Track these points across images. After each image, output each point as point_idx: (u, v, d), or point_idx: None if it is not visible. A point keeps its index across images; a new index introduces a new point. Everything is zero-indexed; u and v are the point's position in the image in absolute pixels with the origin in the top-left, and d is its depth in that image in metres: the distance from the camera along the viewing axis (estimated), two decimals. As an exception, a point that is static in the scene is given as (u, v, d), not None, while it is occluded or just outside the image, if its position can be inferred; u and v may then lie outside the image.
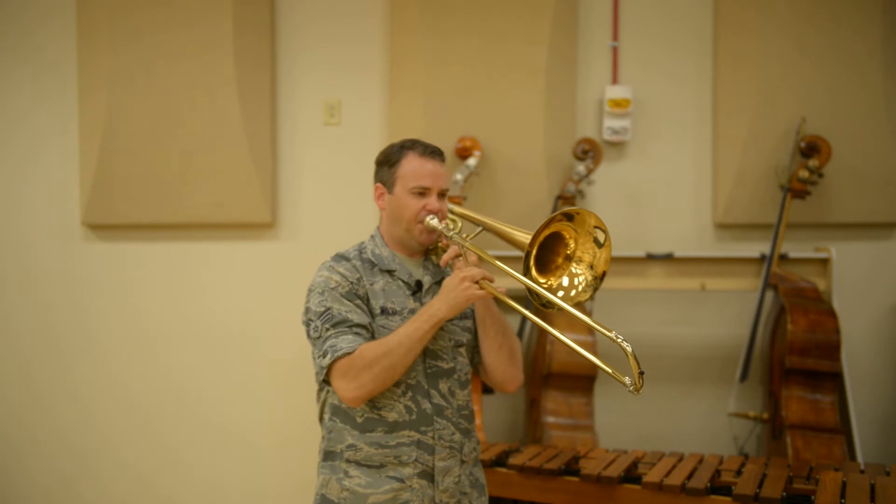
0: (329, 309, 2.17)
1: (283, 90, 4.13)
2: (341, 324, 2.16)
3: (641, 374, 1.89)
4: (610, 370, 1.97)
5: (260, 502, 4.14)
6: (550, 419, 3.62)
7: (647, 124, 4.00)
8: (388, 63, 4.08)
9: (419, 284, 2.27)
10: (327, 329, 2.16)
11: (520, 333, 3.84)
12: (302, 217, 4.13)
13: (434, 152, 2.26)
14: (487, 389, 3.71)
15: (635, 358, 1.90)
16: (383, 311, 2.22)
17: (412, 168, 2.23)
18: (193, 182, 4.04)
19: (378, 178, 2.31)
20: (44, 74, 4.18)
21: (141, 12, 4.04)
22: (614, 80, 4.00)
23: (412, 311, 2.23)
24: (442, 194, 2.26)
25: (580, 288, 2.12)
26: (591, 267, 2.12)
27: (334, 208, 4.12)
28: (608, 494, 2.79)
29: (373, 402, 2.20)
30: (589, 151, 3.87)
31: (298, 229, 4.14)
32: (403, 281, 2.26)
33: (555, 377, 3.63)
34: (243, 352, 4.14)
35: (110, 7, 4.05)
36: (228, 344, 4.14)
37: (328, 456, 2.27)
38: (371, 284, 2.23)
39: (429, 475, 2.22)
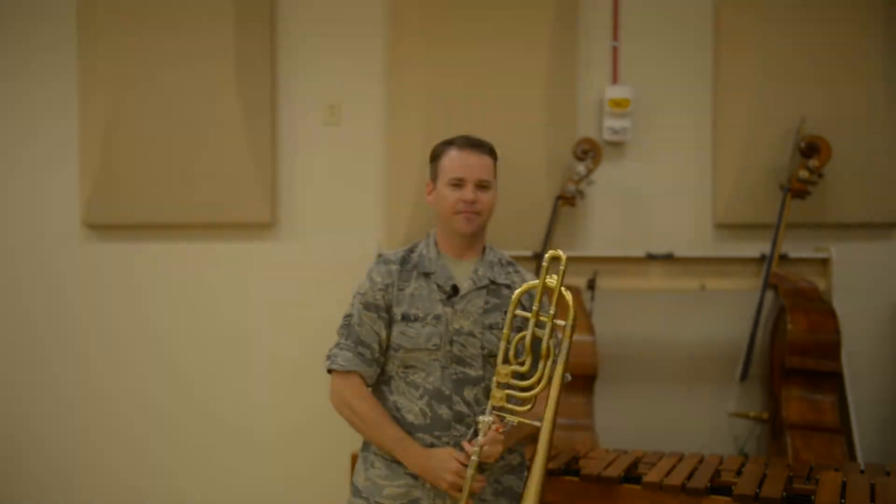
0: (351, 315, 2.30)
1: (284, 90, 4.12)
2: (350, 336, 2.27)
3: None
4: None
5: (266, 498, 4.13)
6: (550, 419, 3.61)
7: (647, 124, 4.00)
8: (388, 62, 4.08)
9: (455, 289, 2.26)
10: (342, 334, 2.30)
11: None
12: (302, 217, 4.13)
13: (475, 145, 2.27)
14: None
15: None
16: (404, 317, 2.24)
17: (450, 161, 2.26)
18: (194, 182, 4.04)
19: (430, 175, 2.34)
20: (44, 76, 4.18)
21: (142, 14, 4.04)
22: (614, 80, 4.00)
23: (437, 318, 2.23)
24: (481, 186, 2.25)
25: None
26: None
27: (334, 208, 4.12)
28: (608, 494, 2.79)
29: (396, 403, 2.27)
30: (589, 151, 3.86)
31: (298, 229, 4.13)
32: (438, 285, 2.26)
33: (555, 377, 3.62)
34: (243, 352, 4.14)
35: (111, 9, 4.05)
36: (228, 344, 4.14)
37: (363, 446, 2.37)
38: (400, 290, 2.25)
39: None
